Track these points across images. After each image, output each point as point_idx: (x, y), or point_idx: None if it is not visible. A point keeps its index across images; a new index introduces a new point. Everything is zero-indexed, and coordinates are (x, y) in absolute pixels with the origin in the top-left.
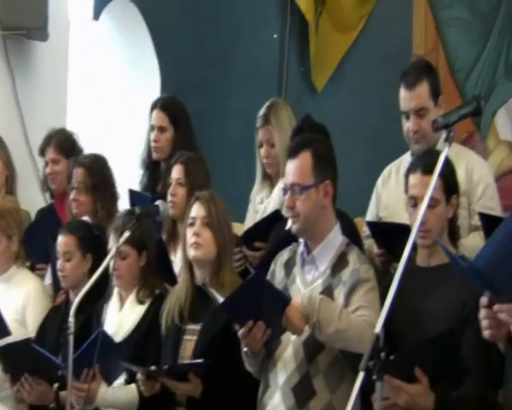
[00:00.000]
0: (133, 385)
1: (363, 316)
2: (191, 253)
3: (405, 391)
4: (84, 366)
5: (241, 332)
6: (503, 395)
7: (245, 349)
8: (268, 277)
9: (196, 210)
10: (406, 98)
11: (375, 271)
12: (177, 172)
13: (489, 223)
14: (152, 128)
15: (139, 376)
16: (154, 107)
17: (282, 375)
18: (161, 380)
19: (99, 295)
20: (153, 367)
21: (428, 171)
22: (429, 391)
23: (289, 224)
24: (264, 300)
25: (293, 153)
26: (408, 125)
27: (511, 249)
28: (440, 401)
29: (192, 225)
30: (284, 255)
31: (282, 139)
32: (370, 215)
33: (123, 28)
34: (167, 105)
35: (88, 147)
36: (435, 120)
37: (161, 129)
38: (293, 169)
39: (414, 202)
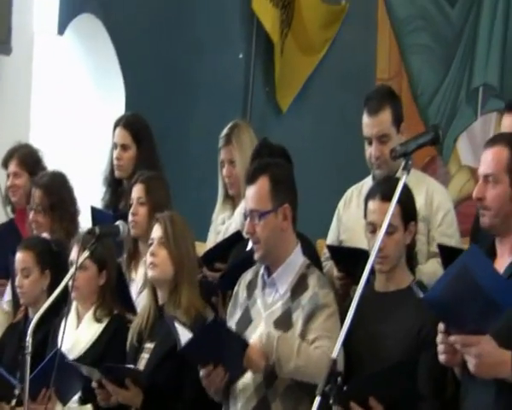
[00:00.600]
0: (88, 406)
1: (323, 347)
2: (148, 273)
3: None
4: (40, 386)
5: (201, 374)
6: None
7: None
8: (232, 299)
9: (155, 231)
10: (369, 124)
11: (336, 293)
12: (137, 191)
13: (448, 254)
14: (115, 146)
15: (93, 384)
16: (117, 124)
17: (241, 399)
18: (103, 382)
19: (57, 312)
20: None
21: (387, 198)
22: None
23: (250, 245)
24: (224, 343)
25: (250, 179)
26: (370, 151)
27: (462, 287)
28: None
29: (151, 245)
30: (247, 276)
31: (243, 160)
32: (331, 237)
33: (88, 44)
34: (131, 123)
35: (51, 162)
36: (394, 148)
37: (124, 147)
38: (252, 195)
39: (372, 227)
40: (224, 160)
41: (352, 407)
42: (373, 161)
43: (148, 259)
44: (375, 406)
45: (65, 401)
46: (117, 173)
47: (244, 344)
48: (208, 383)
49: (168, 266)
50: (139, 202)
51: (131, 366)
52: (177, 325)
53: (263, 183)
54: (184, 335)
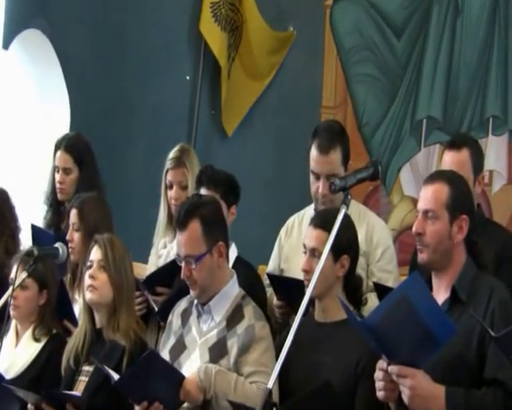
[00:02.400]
0: None
1: (259, 383)
2: (87, 296)
3: None
4: None
5: None
6: None
7: None
8: (166, 327)
9: (94, 253)
10: (319, 162)
11: (275, 322)
12: (72, 217)
13: (383, 293)
14: (56, 169)
15: (29, 406)
16: (58, 147)
17: None
18: (43, 407)
19: None
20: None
21: (318, 225)
22: None
23: None
24: (160, 375)
25: (181, 225)
26: (317, 186)
27: (402, 317)
28: None
29: (90, 268)
30: (181, 305)
31: (193, 184)
32: (272, 265)
33: (34, 59)
34: (72, 146)
35: None
36: (333, 181)
37: (66, 170)
38: (185, 241)
39: (304, 249)
40: (172, 182)
41: None
42: (319, 197)
43: (88, 281)
44: None
45: None
46: (60, 196)
47: (181, 377)
48: None
49: (107, 290)
50: (74, 228)
51: (76, 392)
52: (106, 367)
53: (194, 227)
54: (114, 375)
